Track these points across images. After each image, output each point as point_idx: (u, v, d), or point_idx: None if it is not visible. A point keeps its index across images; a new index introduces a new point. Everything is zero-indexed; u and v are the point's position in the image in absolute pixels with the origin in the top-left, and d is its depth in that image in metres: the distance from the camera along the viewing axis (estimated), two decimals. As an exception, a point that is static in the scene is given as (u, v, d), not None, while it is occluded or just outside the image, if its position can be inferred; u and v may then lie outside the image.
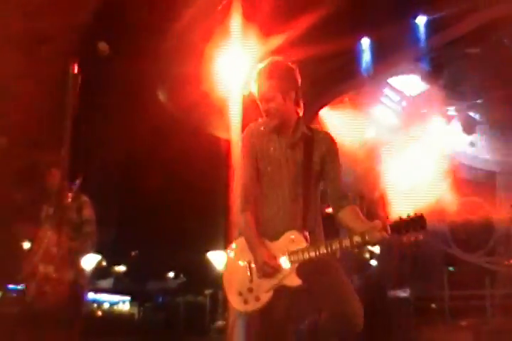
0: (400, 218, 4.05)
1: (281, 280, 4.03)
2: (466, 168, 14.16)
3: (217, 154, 9.73)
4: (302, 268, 4.04)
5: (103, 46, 4.53)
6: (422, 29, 11.23)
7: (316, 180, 4.25)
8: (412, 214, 4.06)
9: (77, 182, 6.41)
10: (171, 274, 37.18)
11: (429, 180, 13.32)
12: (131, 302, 38.28)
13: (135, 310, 36.96)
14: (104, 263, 34.59)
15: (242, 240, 4.22)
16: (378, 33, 10.42)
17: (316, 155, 4.23)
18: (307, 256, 4.00)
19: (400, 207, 12.57)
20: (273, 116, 4.24)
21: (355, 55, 10.60)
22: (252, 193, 4.20)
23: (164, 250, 27.26)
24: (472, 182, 14.15)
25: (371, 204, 15.14)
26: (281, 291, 4.06)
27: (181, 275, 34.99)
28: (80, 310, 6.81)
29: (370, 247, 18.58)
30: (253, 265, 4.14)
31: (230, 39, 8.66)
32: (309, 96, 9.01)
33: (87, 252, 6.72)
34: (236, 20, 8.57)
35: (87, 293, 6.87)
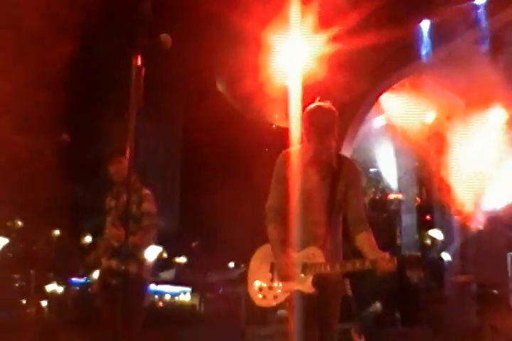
0: (404, 256, 4.78)
1: (297, 286, 4.69)
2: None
3: (276, 143, 9.69)
4: (317, 281, 4.68)
5: (165, 38, 4.52)
6: (481, 10, 10.98)
7: (339, 207, 4.87)
8: (412, 254, 4.91)
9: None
10: (232, 264, 37.40)
11: (493, 165, 13.13)
12: (192, 293, 38.59)
13: (196, 301, 37.24)
14: (165, 255, 34.93)
15: (268, 246, 4.95)
16: (437, 15, 10.24)
17: (342, 185, 4.85)
18: (322, 270, 4.67)
19: (464, 192, 12.43)
20: (310, 148, 4.88)
21: (414, 38, 10.42)
22: (276, 212, 4.90)
23: (225, 240, 27.42)
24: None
25: (433, 190, 14.99)
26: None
27: (242, 266, 35.16)
28: (142, 303, 6.79)
29: (431, 233, 18.44)
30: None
31: (289, 27, 8.59)
32: (369, 82, 8.97)
33: (148, 245, 6.68)
34: (294, 8, 8.50)
35: (148, 286, 6.86)
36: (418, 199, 21.65)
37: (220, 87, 10.02)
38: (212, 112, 10.55)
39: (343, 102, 8.61)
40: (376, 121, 12.32)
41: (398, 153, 16.45)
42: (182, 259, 38.99)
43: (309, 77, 8.58)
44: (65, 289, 35.16)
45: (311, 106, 4.94)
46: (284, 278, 4.77)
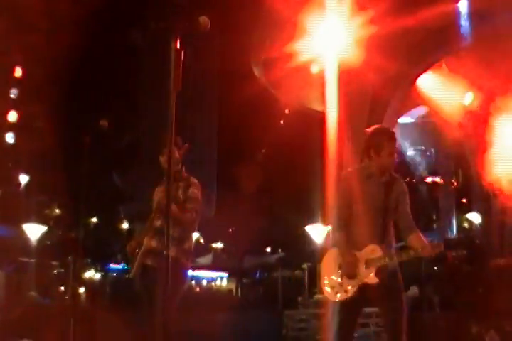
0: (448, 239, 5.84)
1: (362, 279, 5.55)
2: None
3: (313, 127, 9.66)
4: (379, 272, 5.53)
5: (204, 21, 4.49)
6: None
7: (391, 213, 5.79)
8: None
9: (184, 149, 6.49)
10: (268, 249, 37.44)
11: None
12: (229, 278, 38.74)
13: (233, 286, 37.40)
14: (202, 241, 35.08)
15: (336, 250, 5.73)
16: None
17: (393, 197, 5.80)
18: (382, 262, 5.53)
19: (504, 174, 12.29)
20: (372, 165, 5.77)
21: (452, 18, 10.25)
22: (343, 221, 5.72)
23: (261, 225, 27.49)
24: None
25: (470, 174, 14.85)
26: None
27: (279, 250, 35.19)
28: (178, 287, 6.82)
29: (469, 217, 18.31)
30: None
31: (325, 10, 8.52)
32: (406, 64, 8.89)
33: (189, 226, 6.74)
34: (330, -9, 8.44)
35: (187, 271, 6.86)
36: (455, 182, 21.50)
37: (256, 71, 10.00)
38: (249, 96, 10.55)
39: (380, 84, 8.55)
40: (416, 105, 12.22)
41: (436, 137, 16.33)
42: (219, 245, 39.18)
43: (345, 60, 8.52)
44: (103, 276, 35.54)
45: (374, 128, 5.83)
46: (352, 275, 5.59)
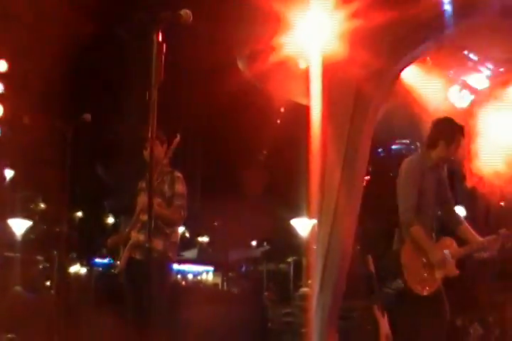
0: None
1: (446, 271, 5.97)
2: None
3: (298, 121, 9.67)
4: (457, 264, 6.04)
5: (186, 13, 4.51)
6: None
7: (443, 204, 6.25)
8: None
9: (174, 144, 6.65)
10: (254, 243, 37.52)
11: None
12: (215, 272, 38.81)
13: (219, 280, 37.46)
14: (187, 235, 35.08)
15: (410, 245, 6.01)
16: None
17: (444, 189, 6.22)
18: (460, 253, 6.00)
19: (488, 166, 12.29)
20: (434, 156, 6.19)
21: (435, 11, 10.24)
22: (415, 212, 5.92)
23: (246, 219, 27.50)
24: None
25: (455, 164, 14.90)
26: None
27: (264, 244, 35.27)
28: (165, 281, 6.91)
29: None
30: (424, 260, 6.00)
31: (309, 3, 8.50)
32: (390, 58, 8.88)
33: (178, 224, 6.84)
34: (314, -18, 8.41)
35: (172, 264, 6.96)
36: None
37: (240, 64, 9.97)
38: (233, 89, 10.54)
39: (364, 77, 8.55)
40: (400, 98, 12.23)
41: (421, 130, 16.33)
42: (204, 239, 39.23)
43: (329, 54, 8.52)
44: (88, 270, 35.52)
45: (446, 118, 6.40)
46: (442, 266, 5.94)
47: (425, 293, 6.01)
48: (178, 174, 6.88)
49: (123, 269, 6.75)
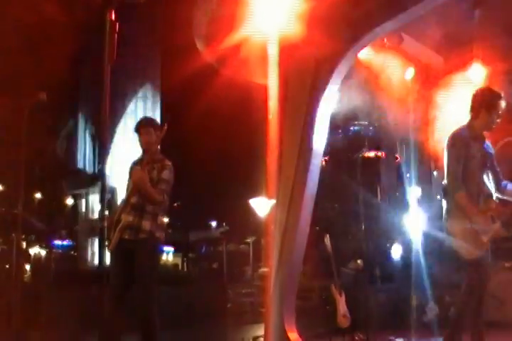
0: None
1: (493, 234, 6.18)
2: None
3: (256, 101, 9.67)
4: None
5: (139, -8, 4.48)
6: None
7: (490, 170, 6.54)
8: None
9: (162, 132, 6.89)
10: (214, 224, 37.58)
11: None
12: (175, 253, 38.84)
13: (179, 261, 37.52)
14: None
15: (456, 212, 6.32)
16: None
17: (489, 155, 6.47)
18: (504, 215, 6.21)
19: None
20: (477, 125, 6.46)
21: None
22: (460, 179, 6.23)
23: (206, 200, 27.56)
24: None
25: (413, 148, 15.06)
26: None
27: (224, 224, 35.35)
28: (154, 259, 7.09)
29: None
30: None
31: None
32: (347, 38, 8.90)
33: (158, 205, 7.05)
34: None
35: (161, 245, 7.25)
36: (398, 157, 21.74)
37: (199, 44, 9.94)
38: (191, 70, 10.50)
39: (321, 58, 8.56)
40: (358, 78, 12.29)
41: (378, 111, 16.46)
42: (164, 220, 39.13)
43: (287, 35, 8.53)
44: (48, 252, 35.30)
45: (487, 88, 6.69)
46: (486, 232, 6.16)
47: (471, 257, 6.28)
48: (169, 162, 7.14)
49: (114, 249, 6.89)
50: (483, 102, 6.38)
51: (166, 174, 7.00)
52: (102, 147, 5.71)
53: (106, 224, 6.51)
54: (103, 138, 4.88)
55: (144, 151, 7.16)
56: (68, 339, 9.84)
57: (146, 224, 6.83)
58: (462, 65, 12.39)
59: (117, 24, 4.37)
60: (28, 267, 26.53)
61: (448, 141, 6.60)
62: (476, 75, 12.32)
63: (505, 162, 13.51)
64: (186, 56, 10.43)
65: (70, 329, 9.53)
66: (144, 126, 7.20)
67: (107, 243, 6.73)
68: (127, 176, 7.20)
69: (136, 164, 7.16)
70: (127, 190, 6.99)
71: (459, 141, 6.44)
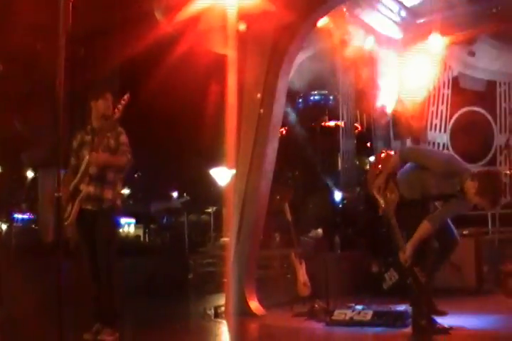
0: None
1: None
2: (466, 77, 14.06)
3: (216, 70, 9.66)
4: None
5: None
6: None
7: None
8: None
9: (125, 98, 6.79)
10: (175, 194, 37.55)
11: (429, 90, 13.34)
12: (137, 224, 38.80)
13: (140, 232, 37.50)
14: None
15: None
16: None
17: None
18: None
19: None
20: None
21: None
22: None
23: (166, 170, 27.46)
24: (473, 91, 14.11)
25: (372, 117, 15.17)
26: None
27: (184, 195, 35.34)
28: (116, 229, 7.36)
29: (371, 159, 18.71)
30: None
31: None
32: (304, 10, 8.89)
33: (126, 167, 7.03)
34: None
35: (120, 213, 7.22)
36: (358, 126, 21.87)
37: (158, 15, 9.87)
38: (150, 39, 10.44)
39: (280, 28, 8.56)
40: (318, 47, 12.30)
41: (340, 80, 16.56)
42: (125, 191, 39.07)
43: (245, 5, 8.52)
44: (8, 226, 34.99)
45: None
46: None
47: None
48: (122, 129, 7.05)
49: (76, 220, 6.85)
50: None
51: (123, 138, 6.96)
52: (57, 116, 5.56)
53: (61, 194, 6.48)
54: (57, 104, 4.81)
55: (103, 117, 7.03)
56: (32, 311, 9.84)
57: (108, 194, 6.80)
58: (421, 36, 12.50)
59: None
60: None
61: None
62: (433, 45, 12.44)
63: (462, 132, 13.77)
64: (144, 26, 10.35)
65: (32, 302, 9.52)
66: (104, 92, 7.12)
67: (66, 215, 6.68)
68: (76, 144, 7.07)
69: (87, 134, 7.04)
70: (80, 160, 6.89)
71: None
